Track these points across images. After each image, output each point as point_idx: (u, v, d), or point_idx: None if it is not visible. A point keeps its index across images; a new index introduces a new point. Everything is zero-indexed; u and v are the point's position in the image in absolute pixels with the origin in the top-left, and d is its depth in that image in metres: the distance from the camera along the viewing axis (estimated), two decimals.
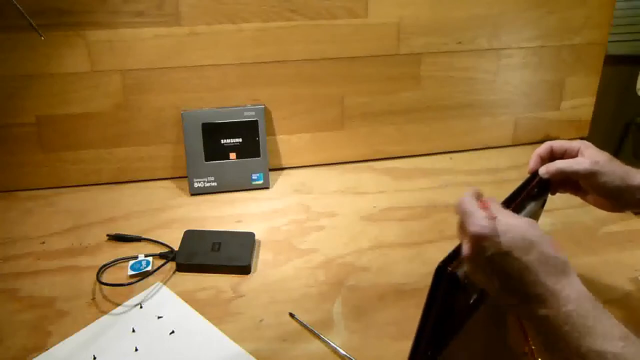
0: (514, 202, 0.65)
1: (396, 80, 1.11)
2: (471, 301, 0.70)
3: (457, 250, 0.61)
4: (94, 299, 0.79)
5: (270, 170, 1.08)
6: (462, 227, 0.55)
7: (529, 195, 0.68)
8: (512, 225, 0.53)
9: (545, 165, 0.70)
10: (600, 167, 0.66)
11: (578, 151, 0.69)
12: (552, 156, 0.72)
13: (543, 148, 0.72)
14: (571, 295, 0.51)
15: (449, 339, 0.70)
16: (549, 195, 0.75)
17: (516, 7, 1.10)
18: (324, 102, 1.10)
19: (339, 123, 1.12)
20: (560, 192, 0.74)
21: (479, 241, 0.53)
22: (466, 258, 0.55)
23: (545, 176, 0.69)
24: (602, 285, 0.81)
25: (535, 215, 0.77)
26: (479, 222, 0.53)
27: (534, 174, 0.71)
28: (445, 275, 0.58)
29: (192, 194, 1.04)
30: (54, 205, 1.00)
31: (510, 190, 0.68)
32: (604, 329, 0.49)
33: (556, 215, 0.96)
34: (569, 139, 0.72)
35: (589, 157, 0.67)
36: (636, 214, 0.88)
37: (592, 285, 0.80)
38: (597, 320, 0.50)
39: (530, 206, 0.69)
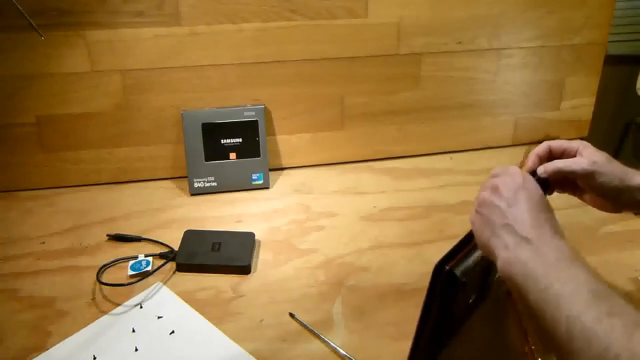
0: None
1: (396, 80, 1.11)
2: (470, 301, 0.70)
3: (455, 249, 0.61)
4: (94, 299, 0.79)
5: (270, 170, 1.09)
6: (497, 173, 0.63)
7: None
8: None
9: (543, 165, 0.70)
10: (599, 167, 0.66)
11: (577, 151, 0.69)
12: (550, 156, 0.72)
13: (541, 148, 0.72)
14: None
15: (449, 338, 0.70)
16: (547, 195, 0.75)
17: (516, 7, 1.10)
18: (324, 102, 1.10)
19: (338, 123, 1.12)
20: (558, 192, 0.74)
21: (518, 175, 0.60)
22: (499, 182, 0.60)
23: (544, 175, 0.69)
24: None
25: None
26: (517, 168, 0.62)
27: (533, 173, 0.71)
28: (444, 274, 0.58)
29: (192, 194, 1.04)
30: (54, 205, 1.00)
31: None
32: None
33: (556, 215, 0.95)
34: (568, 139, 0.72)
35: (588, 157, 0.67)
36: (636, 214, 0.88)
37: None
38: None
39: None
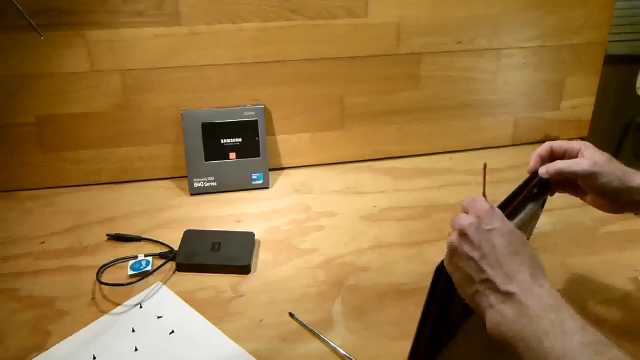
0: (514, 202, 0.65)
1: (396, 80, 1.11)
2: None
3: None
4: (94, 299, 0.79)
5: (270, 170, 1.08)
6: (466, 208, 0.59)
7: (529, 196, 0.68)
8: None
9: (545, 166, 0.70)
10: (600, 168, 0.66)
11: (578, 152, 0.69)
12: (552, 157, 0.72)
13: (543, 148, 0.72)
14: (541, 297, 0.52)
15: (449, 338, 0.70)
16: (550, 195, 0.75)
17: (516, 7, 1.10)
18: (324, 102, 1.10)
19: (338, 123, 1.12)
20: (560, 192, 0.74)
21: (485, 213, 0.57)
22: (466, 226, 0.57)
23: (545, 176, 0.69)
24: (602, 285, 0.81)
25: (535, 216, 0.77)
26: (484, 202, 0.59)
27: (534, 174, 0.71)
28: (445, 275, 0.58)
29: (192, 194, 1.04)
30: (54, 205, 1.00)
31: (510, 190, 0.68)
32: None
33: (556, 215, 0.96)
34: (569, 139, 0.72)
35: (589, 158, 0.67)
36: (636, 214, 0.87)
37: (592, 285, 0.81)
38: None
39: (530, 206, 0.69)
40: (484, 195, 0.61)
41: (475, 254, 0.55)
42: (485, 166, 0.62)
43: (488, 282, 0.54)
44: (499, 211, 0.58)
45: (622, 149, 1.78)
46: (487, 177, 0.62)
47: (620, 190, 0.66)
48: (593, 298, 0.78)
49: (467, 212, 0.59)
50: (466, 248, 0.56)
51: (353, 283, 0.82)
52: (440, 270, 0.59)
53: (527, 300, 0.52)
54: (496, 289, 0.53)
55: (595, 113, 1.24)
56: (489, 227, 0.56)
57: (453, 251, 0.57)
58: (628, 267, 0.84)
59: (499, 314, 0.53)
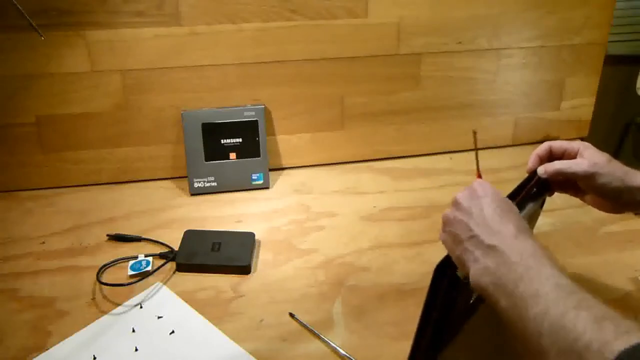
0: (513, 202, 0.65)
1: (396, 80, 1.11)
2: (471, 301, 0.70)
3: None
4: (94, 299, 0.79)
5: (270, 170, 1.08)
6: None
7: (527, 195, 0.68)
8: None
9: (543, 165, 0.70)
10: (599, 168, 0.66)
11: (577, 152, 0.69)
12: (551, 156, 0.71)
13: (542, 148, 0.72)
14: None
15: (449, 339, 0.70)
16: (548, 195, 0.75)
17: (516, 7, 1.10)
18: (324, 102, 1.10)
19: (338, 123, 1.12)
20: (559, 192, 0.74)
21: (477, 185, 0.61)
22: (459, 196, 0.61)
23: (544, 176, 0.69)
24: (602, 285, 0.81)
25: (534, 215, 0.77)
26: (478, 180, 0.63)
27: (533, 173, 0.71)
28: (445, 275, 0.58)
29: (192, 194, 1.04)
30: (54, 205, 1.00)
31: (509, 190, 0.68)
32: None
33: (556, 215, 0.96)
34: (569, 139, 0.72)
35: (588, 158, 0.67)
36: (636, 214, 0.88)
37: (592, 285, 0.81)
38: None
39: (529, 206, 0.69)
40: (477, 160, 0.65)
41: (464, 217, 0.59)
42: (475, 133, 0.67)
43: (474, 238, 0.56)
44: (487, 183, 0.62)
45: (622, 149, 1.78)
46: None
47: (620, 189, 0.66)
48: None
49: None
50: (457, 213, 0.60)
51: (353, 283, 0.82)
52: (442, 271, 0.59)
53: (507, 250, 0.53)
54: (481, 243, 0.55)
55: (595, 113, 1.24)
56: (480, 195, 0.59)
57: (446, 220, 0.61)
58: (628, 267, 0.84)
59: (481, 266, 0.54)
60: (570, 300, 0.46)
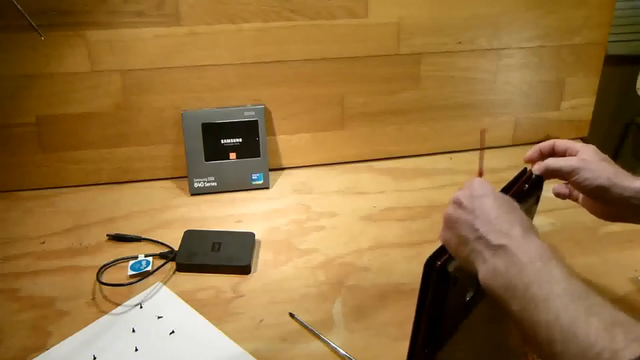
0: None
1: (396, 80, 1.11)
2: (467, 299, 0.70)
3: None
4: (94, 299, 0.79)
5: (270, 170, 1.09)
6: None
7: (519, 191, 0.68)
8: None
9: (538, 162, 0.70)
10: (586, 164, 0.65)
11: (578, 152, 0.69)
12: (553, 153, 0.72)
13: (546, 144, 0.72)
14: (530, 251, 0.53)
15: (447, 336, 0.70)
16: (550, 195, 0.75)
17: (516, 7, 1.10)
18: (324, 102, 1.10)
19: (339, 123, 1.12)
20: (560, 198, 0.74)
21: (476, 183, 0.60)
22: (460, 195, 0.60)
23: (536, 173, 0.69)
24: (602, 285, 0.81)
25: (528, 212, 0.77)
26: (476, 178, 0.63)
27: (523, 170, 0.71)
28: (435, 269, 0.59)
29: (192, 194, 1.04)
30: (54, 205, 1.00)
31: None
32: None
33: (556, 215, 0.96)
34: (569, 139, 0.72)
35: (580, 156, 0.67)
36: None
37: (592, 285, 0.80)
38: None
39: (525, 202, 0.69)
40: (481, 158, 0.65)
41: (469, 217, 0.58)
42: (483, 132, 0.67)
43: (481, 239, 0.56)
44: (486, 181, 0.61)
45: (622, 149, 1.78)
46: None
47: (606, 188, 0.64)
48: None
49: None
50: (460, 212, 0.59)
51: (353, 283, 0.82)
52: (429, 265, 0.59)
53: (517, 251, 0.53)
54: (489, 244, 0.55)
55: (595, 113, 1.24)
56: (481, 194, 0.59)
57: (448, 219, 0.60)
58: (628, 267, 0.84)
59: (491, 267, 0.54)
60: (580, 306, 0.46)
